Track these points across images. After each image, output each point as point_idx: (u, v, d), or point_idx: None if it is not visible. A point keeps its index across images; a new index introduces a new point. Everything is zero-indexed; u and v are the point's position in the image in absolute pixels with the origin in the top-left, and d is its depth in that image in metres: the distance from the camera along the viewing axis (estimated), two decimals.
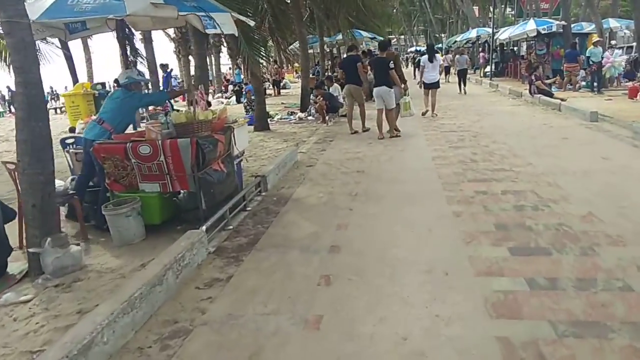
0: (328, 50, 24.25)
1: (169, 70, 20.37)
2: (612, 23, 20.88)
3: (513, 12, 40.02)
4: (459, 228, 4.69)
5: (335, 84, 14.36)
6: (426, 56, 13.23)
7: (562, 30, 20.50)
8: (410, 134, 10.58)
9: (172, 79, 23.19)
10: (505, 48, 29.71)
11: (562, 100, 14.18)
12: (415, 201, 5.64)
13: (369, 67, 15.10)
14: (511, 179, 6.40)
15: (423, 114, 12.94)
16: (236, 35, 5.66)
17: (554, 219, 4.80)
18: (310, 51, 23.54)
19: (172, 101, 17.94)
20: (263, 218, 5.34)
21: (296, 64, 34.57)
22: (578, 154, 7.67)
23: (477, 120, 11.88)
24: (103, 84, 17.94)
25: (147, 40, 20.61)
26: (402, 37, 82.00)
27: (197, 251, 4.07)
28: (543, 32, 20.09)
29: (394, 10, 71.57)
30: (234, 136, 5.73)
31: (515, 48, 29.88)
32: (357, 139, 10.31)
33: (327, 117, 12.68)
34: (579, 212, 4.97)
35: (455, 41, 35.47)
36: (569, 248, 4.09)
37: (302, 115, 14.34)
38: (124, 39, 7.14)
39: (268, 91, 26.62)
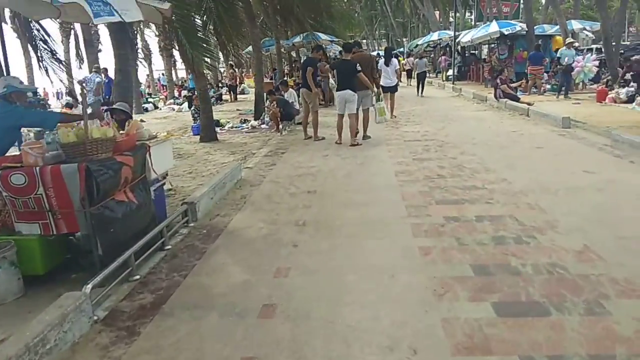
0: (285, 53, 23.22)
1: (107, 75, 18.89)
2: (575, 24, 20.59)
3: (472, 17, 39.98)
4: (428, 272, 3.70)
5: (291, 90, 13.32)
6: (382, 60, 12.43)
7: (525, 32, 20.08)
8: (372, 144, 9.63)
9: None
10: (466, 52, 29.33)
11: (529, 104, 13.53)
12: (374, 232, 4.64)
13: (331, 71, 14.32)
14: (485, 199, 5.49)
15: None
16: (142, 19, 4.52)
17: (544, 257, 3.87)
18: (268, 54, 22.49)
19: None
20: (183, 261, 4.23)
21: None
22: (556, 166, 6.85)
23: (442, 128, 11.05)
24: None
25: (88, 43, 19.15)
26: (364, 41, 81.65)
27: (72, 324, 2.94)
28: (507, 33, 19.55)
29: (356, 14, 71.55)
30: (149, 156, 4.61)
31: (476, 52, 29.54)
32: (312, 149, 9.29)
33: (281, 126, 11.62)
34: (572, 245, 4.06)
35: (417, 45, 34.97)
36: (570, 303, 3.15)
37: (255, 123, 13.24)
38: (26, 35, 5.91)
39: (225, 96, 25.47)
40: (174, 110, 21.16)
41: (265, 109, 13.07)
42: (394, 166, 7.43)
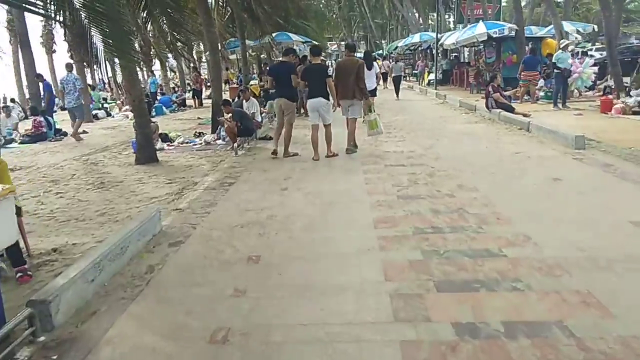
0: (253, 54, 21.25)
1: (44, 80, 16.70)
2: (567, 26, 19.06)
3: (451, 20, 38.51)
4: None
5: (253, 99, 11.34)
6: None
7: (514, 34, 18.46)
8: (346, 168, 7.75)
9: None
10: (449, 55, 27.73)
11: (526, 115, 11.84)
12: None
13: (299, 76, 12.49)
14: (509, 280, 3.62)
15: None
16: None
17: None
18: (233, 57, 20.51)
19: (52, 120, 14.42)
20: None
21: (231, 71, 31.40)
22: (591, 214, 5.02)
23: (430, 146, 9.21)
24: None
25: (24, 44, 16.94)
26: (343, 42, 79.82)
27: None
28: (495, 35, 17.89)
29: (334, 15, 69.88)
30: None
31: (455, 55, 27.91)
32: (270, 178, 7.35)
33: (236, 144, 9.62)
34: None
35: (397, 47, 33.34)
36: None
37: (210, 138, 11.24)
38: None
39: (189, 101, 23.36)
40: (127, 118, 18.96)
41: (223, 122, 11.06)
42: (372, 210, 5.53)
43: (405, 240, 4.53)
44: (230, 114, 9.99)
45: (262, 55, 25.32)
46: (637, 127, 10.06)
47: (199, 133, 12.22)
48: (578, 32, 20.29)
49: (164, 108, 20.13)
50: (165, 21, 9.92)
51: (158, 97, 22.95)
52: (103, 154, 10.68)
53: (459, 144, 9.43)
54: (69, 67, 16.17)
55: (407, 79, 34.86)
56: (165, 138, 11.46)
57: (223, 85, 16.11)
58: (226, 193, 6.61)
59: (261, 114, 12.14)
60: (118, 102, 22.76)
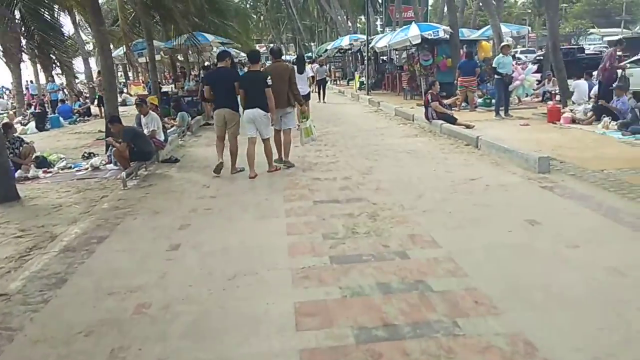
0: (166, 57, 19.00)
1: None
2: (503, 28, 18.24)
3: (378, 22, 37.69)
4: None
5: (152, 113, 9.27)
6: (295, 67, 9.03)
7: (448, 36, 17.38)
8: (264, 206, 5.97)
9: None
10: (380, 58, 26.59)
11: (468, 127, 10.57)
12: None
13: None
14: None
15: None
16: None
17: None
18: (142, 59, 18.20)
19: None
20: None
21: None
22: (605, 285, 3.53)
23: (368, 170, 7.61)
24: None
25: None
26: (271, 45, 77.97)
27: None
28: (429, 37, 16.70)
29: (261, 17, 67.92)
30: None
31: (383, 58, 26.81)
32: (162, 225, 5.45)
33: (124, 174, 7.54)
34: None
35: (326, 49, 31.91)
36: None
37: (99, 161, 9.08)
38: None
39: (94, 109, 20.67)
40: (15, 131, 16.18)
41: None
42: (294, 287, 3.78)
43: (344, 358, 2.82)
44: (118, 133, 7.94)
45: (179, 58, 23.07)
46: (594, 140, 8.97)
47: (89, 154, 10.01)
48: (511, 35, 19.57)
49: (61, 119, 17.46)
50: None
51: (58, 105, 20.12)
52: None
53: (401, 166, 7.90)
54: None
55: (338, 82, 33.60)
56: (42, 163, 9.19)
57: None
58: (89, 257, 4.62)
59: (165, 129, 10.11)
60: (10, 111, 19.73)
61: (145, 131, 8.98)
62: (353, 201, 6.01)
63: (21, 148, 9.06)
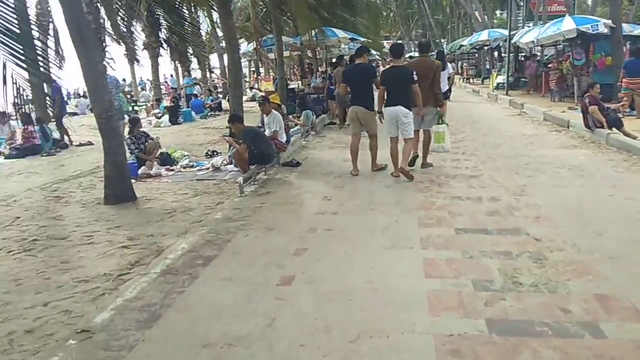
0: (294, 54, 18.65)
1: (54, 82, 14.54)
2: None
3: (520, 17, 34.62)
4: None
5: (275, 112, 8.64)
6: (441, 64, 8.32)
7: (608, 31, 14.94)
8: (392, 234, 4.96)
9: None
10: (522, 55, 24.15)
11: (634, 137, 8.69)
12: None
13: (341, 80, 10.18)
14: None
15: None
16: None
17: None
18: (271, 55, 18.01)
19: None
20: None
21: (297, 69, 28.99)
22: None
23: (521, 190, 6.26)
24: None
25: None
26: (400, 42, 76.06)
27: None
28: (587, 32, 14.47)
29: (391, 13, 66.68)
30: None
31: (525, 54, 24.21)
32: (274, 248, 4.68)
33: (240, 180, 6.91)
34: None
35: (461, 45, 29.88)
36: None
37: (220, 161, 8.67)
38: None
39: (225, 104, 21.03)
40: (150, 124, 16.85)
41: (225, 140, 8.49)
42: None
43: None
44: (238, 133, 7.40)
45: (308, 54, 22.75)
46: None
47: (212, 152, 9.71)
48: None
49: (193, 114, 17.86)
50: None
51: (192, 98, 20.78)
52: (81, 180, 8.32)
53: (563, 186, 6.43)
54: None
55: (471, 81, 31.46)
56: (166, 160, 9.01)
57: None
58: (190, 285, 3.94)
59: (288, 130, 9.49)
60: (150, 104, 20.73)
61: (267, 132, 8.40)
62: (507, 233, 4.78)
63: (146, 144, 8.92)
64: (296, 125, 11.71)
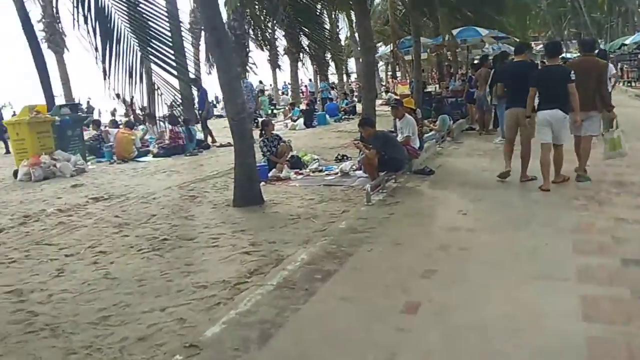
0: (433, 55, 17.87)
1: (200, 86, 15.38)
2: None
3: None
4: None
5: (408, 117, 8.13)
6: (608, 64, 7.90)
7: None
8: (541, 259, 4.23)
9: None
10: None
11: None
12: None
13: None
14: None
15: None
16: None
17: None
18: (408, 57, 17.44)
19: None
20: None
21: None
22: None
23: None
24: (74, 105, 13.42)
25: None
26: (557, 40, 70.53)
27: None
28: None
29: (540, 12, 62.14)
30: None
31: None
32: (399, 266, 4.22)
33: (369, 186, 6.53)
34: None
35: (623, 45, 26.69)
36: None
37: (349, 166, 8.39)
38: None
39: (359, 107, 20.93)
40: (286, 127, 17.24)
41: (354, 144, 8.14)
42: None
43: None
44: (368, 137, 7.03)
45: (448, 56, 21.79)
46: None
47: (342, 157, 9.48)
48: None
49: (327, 117, 17.95)
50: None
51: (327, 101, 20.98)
52: (216, 180, 8.56)
53: None
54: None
55: (633, 84, 27.93)
56: (296, 163, 8.97)
57: None
58: (306, 303, 3.64)
59: (422, 135, 8.92)
60: (286, 108, 21.33)
61: (399, 137, 7.94)
62: None
63: (279, 146, 8.95)
64: (431, 130, 11.07)
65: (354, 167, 8.30)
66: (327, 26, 12.12)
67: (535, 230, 4.95)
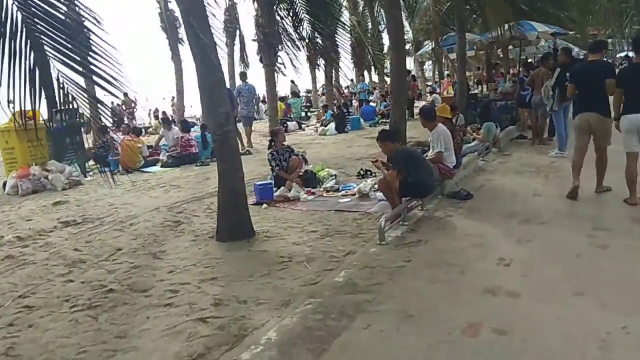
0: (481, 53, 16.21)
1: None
2: None
3: None
4: None
5: (441, 127, 6.56)
6: None
7: None
8: (620, 345, 2.75)
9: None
10: None
11: None
12: None
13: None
14: None
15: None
16: None
17: None
18: (452, 56, 15.82)
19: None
20: None
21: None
22: None
23: None
24: (74, 111, 12.44)
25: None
26: (609, 40, 66.28)
27: None
28: None
29: (601, 8, 58.33)
30: None
31: None
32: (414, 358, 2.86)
33: (382, 222, 5.08)
34: None
35: None
36: None
37: (369, 186, 6.99)
38: None
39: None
40: (316, 131, 15.97)
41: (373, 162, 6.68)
42: None
43: None
44: (387, 154, 5.65)
45: (499, 54, 19.92)
46: None
47: (364, 172, 8.11)
48: None
49: (361, 121, 16.53)
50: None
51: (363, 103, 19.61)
52: (212, 200, 7.28)
53: None
54: (243, 76, 14.44)
55: None
56: (309, 180, 7.66)
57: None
58: None
59: (461, 146, 7.43)
60: (319, 110, 20.02)
61: (429, 153, 6.49)
62: None
63: (289, 160, 7.68)
64: (474, 139, 9.50)
65: (374, 187, 6.89)
66: (346, 17, 10.80)
67: (609, 299, 3.45)
